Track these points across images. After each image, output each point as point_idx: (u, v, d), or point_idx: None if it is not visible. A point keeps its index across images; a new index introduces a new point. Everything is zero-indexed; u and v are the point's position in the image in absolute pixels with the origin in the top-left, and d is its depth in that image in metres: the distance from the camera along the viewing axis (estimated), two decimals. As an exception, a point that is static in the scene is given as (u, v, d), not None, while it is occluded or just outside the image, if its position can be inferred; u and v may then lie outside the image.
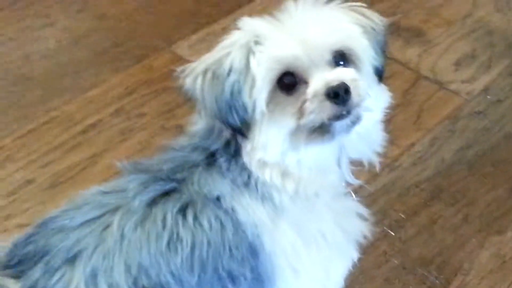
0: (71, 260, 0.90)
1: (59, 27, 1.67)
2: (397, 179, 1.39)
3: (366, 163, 0.99)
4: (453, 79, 1.64)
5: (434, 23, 1.78)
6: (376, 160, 0.99)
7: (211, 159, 0.95)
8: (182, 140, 0.98)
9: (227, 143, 0.94)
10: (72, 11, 1.71)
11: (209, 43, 1.62)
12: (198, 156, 0.96)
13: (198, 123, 0.97)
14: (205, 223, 0.92)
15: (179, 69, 0.93)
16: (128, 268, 0.90)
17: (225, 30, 1.53)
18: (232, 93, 0.90)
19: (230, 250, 0.95)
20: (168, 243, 0.91)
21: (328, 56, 0.92)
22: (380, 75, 0.98)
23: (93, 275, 0.89)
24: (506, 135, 1.50)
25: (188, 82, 0.92)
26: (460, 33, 1.76)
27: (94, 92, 1.56)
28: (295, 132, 0.91)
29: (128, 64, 1.60)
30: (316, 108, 0.89)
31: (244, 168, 0.94)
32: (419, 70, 1.65)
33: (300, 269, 1.00)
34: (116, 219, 0.92)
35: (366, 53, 0.95)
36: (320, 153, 0.94)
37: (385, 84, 1.00)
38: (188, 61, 1.55)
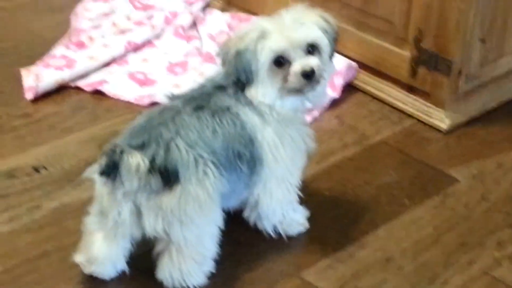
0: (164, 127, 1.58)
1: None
2: None
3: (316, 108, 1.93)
4: None
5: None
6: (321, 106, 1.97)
7: (223, 89, 1.66)
8: (204, 82, 1.72)
9: (235, 83, 1.64)
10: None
11: (336, 270, 1.76)
12: (215, 88, 1.67)
13: (217, 73, 1.70)
14: (225, 122, 1.62)
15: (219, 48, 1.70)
16: (198, 137, 1.58)
17: (353, 258, 1.73)
18: (245, 63, 1.61)
19: (239, 137, 1.63)
20: (212, 132, 1.60)
21: (304, 47, 1.62)
22: (331, 56, 1.72)
23: (176, 133, 1.57)
24: None
25: (223, 55, 1.66)
26: None
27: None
28: (281, 89, 1.64)
29: (260, 290, 1.71)
30: (295, 81, 1.63)
31: (246, 96, 1.64)
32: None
33: (278, 157, 1.69)
34: (182, 114, 1.60)
35: (325, 46, 1.66)
36: (294, 101, 1.68)
37: None
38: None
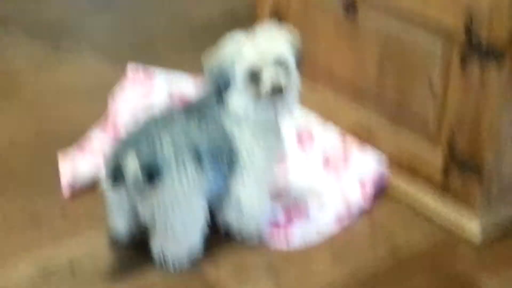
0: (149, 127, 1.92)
1: None
2: None
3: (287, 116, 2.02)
4: None
5: None
6: (291, 116, 2.04)
7: (207, 99, 1.96)
8: (195, 93, 2.13)
9: (217, 93, 1.93)
10: None
11: None
12: (202, 98, 1.99)
13: (204, 84, 2.00)
14: (209, 123, 1.93)
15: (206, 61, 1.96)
16: (183, 134, 1.89)
17: None
18: (223, 74, 1.90)
19: (220, 136, 1.94)
20: (198, 128, 1.91)
21: (273, 61, 1.89)
22: (298, 68, 1.96)
23: (164, 131, 1.88)
24: None
25: (206, 65, 1.93)
26: None
27: None
28: (254, 98, 1.91)
29: None
30: (265, 92, 1.89)
31: (225, 107, 1.93)
32: None
33: (252, 155, 1.98)
34: (173, 116, 1.93)
35: (292, 60, 1.93)
36: (265, 108, 1.94)
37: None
38: None
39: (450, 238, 2.24)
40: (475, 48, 2.09)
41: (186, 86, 2.79)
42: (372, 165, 2.37)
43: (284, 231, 2.17)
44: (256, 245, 2.11)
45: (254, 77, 1.90)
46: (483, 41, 2.06)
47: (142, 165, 1.83)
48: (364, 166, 2.37)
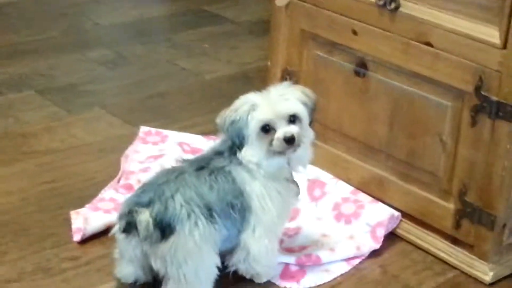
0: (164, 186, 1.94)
1: None
2: None
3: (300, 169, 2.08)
4: None
5: None
6: (304, 169, 2.10)
7: (220, 153, 2.01)
8: (206, 150, 2.11)
9: (230, 148, 1.98)
10: None
11: None
12: (214, 153, 2.03)
13: (217, 142, 2.06)
14: (219, 179, 1.96)
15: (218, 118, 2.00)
16: (194, 193, 1.92)
17: None
18: (238, 130, 1.95)
19: (231, 191, 1.97)
20: (209, 187, 1.95)
21: (286, 118, 1.94)
22: (310, 124, 2.03)
23: (176, 190, 1.92)
24: None
25: (220, 122, 1.99)
26: None
27: None
28: (267, 151, 1.96)
29: None
30: (278, 145, 1.94)
31: (238, 158, 1.97)
32: None
33: (264, 206, 2.00)
34: (185, 173, 1.96)
35: (304, 117, 1.99)
36: (278, 160, 2.00)
37: None
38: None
39: (461, 282, 2.25)
40: (485, 105, 2.13)
41: (197, 143, 2.82)
42: (383, 211, 2.39)
43: (297, 279, 2.20)
44: (265, 283, 2.16)
45: (267, 130, 1.95)
46: (493, 99, 2.10)
47: (154, 222, 1.88)
48: (375, 214, 2.38)
